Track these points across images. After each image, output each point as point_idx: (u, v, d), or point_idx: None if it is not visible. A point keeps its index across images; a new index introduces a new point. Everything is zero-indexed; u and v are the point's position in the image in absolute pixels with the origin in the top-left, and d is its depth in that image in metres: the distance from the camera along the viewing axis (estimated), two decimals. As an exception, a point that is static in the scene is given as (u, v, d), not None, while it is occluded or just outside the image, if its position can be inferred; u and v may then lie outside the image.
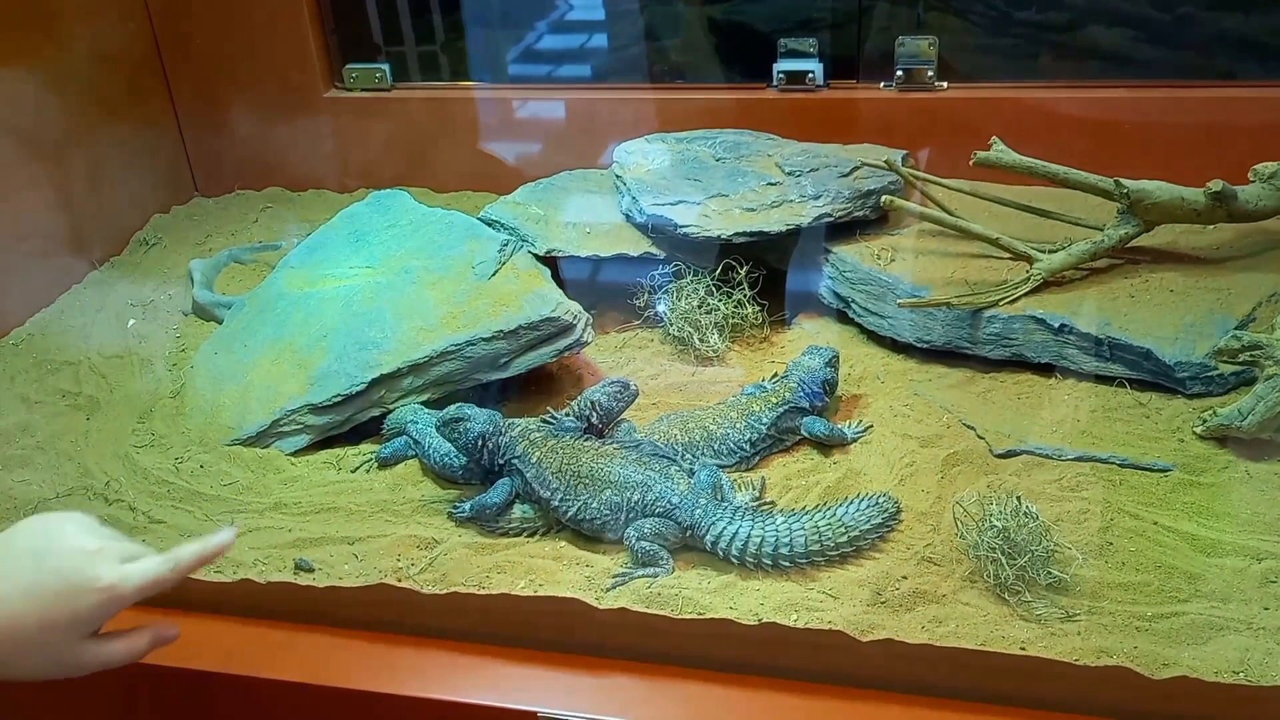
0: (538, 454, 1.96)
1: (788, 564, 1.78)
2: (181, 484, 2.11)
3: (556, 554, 1.89)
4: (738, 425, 2.09)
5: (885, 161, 2.51)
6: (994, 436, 2.07)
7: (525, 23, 3.23)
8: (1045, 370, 2.26)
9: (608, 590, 1.78)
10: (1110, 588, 1.72)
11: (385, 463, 2.15)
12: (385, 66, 3.24)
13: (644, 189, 2.59)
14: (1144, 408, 2.14)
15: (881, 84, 2.98)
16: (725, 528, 1.80)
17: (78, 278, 2.95)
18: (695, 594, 1.74)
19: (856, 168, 2.59)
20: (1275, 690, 1.51)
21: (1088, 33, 2.90)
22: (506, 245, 2.44)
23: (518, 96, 3.20)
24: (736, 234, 2.45)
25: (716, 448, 2.07)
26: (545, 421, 2.07)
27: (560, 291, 2.32)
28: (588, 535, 1.92)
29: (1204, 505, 1.89)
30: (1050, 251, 2.34)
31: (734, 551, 1.79)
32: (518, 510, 1.96)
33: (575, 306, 2.28)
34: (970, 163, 2.38)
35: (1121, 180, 2.29)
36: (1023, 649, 1.60)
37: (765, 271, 2.50)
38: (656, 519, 1.84)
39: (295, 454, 2.19)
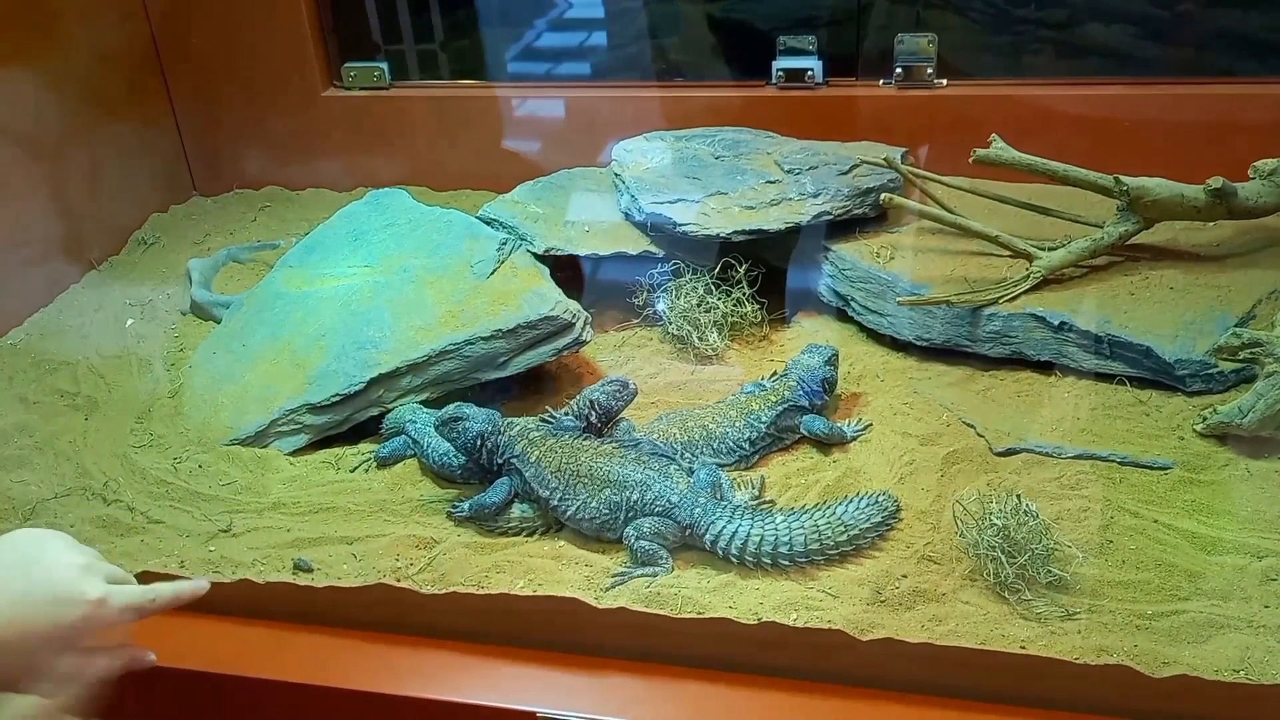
0: (536, 453, 1.96)
1: (787, 563, 1.78)
2: (180, 484, 2.10)
3: (556, 553, 1.89)
4: (737, 424, 2.09)
5: (884, 159, 2.51)
6: (994, 434, 2.07)
7: (524, 21, 3.23)
8: (1045, 368, 2.26)
9: (607, 590, 1.77)
10: (1110, 586, 1.72)
11: (384, 462, 2.14)
12: (384, 65, 3.23)
13: (643, 187, 2.59)
14: (1144, 405, 2.14)
15: (881, 81, 2.97)
16: (724, 527, 1.80)
17: (76, 278, 2.95)
18: (695, 593, 1.74)
19: (856, 165, 2.59)
20: (1276, 689, 1.51)
21: (1087, 30, 2.90)
22: (505, 244, 2.43)
23: (516, 95, 3.20)
24: (735, 232, 2.44)
25: (716, 446, 2.07)
26: (544, 420, 2.07)
27: (559, 290, 2.32)
28: (587, 534, 1.91)
29: (1204, 503, 1.88)
30: (1050, 249, 2.34)
31: (733, 550, 1.78)
32: (517, 510, 1.96)
33: (574, 305, 2.28)
34: (970, 160, 2.38)
35: (1121, 177, 2.29)
36: (1023, 648, 1.60)
37: (764, 270, 2.50)
38: (656, 518, 1.84)
39: (294, 454, 2.19)
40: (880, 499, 1.87)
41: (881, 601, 1.71)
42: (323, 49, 3.24)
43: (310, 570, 1.86)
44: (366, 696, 1.66)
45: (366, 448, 2.20)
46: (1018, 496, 1.75)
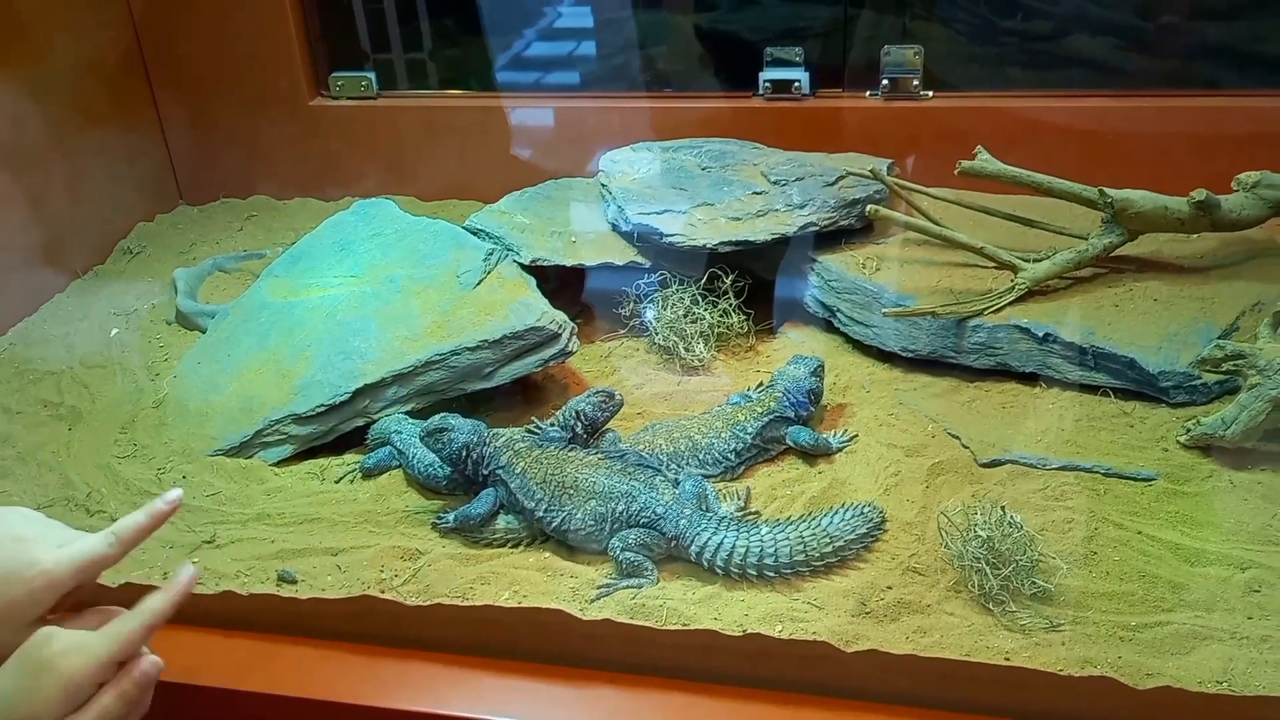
0: (522, 464, 1.96)
1: (773, 574, 1.78)
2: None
3: (541, 565, 1.88)
4: (723, 435, 2.09)
5: (870, 170, 2.52)
6: (979, 446, 2.07)
7: (511, 31, 3.23)
8: (1030, 379, 2.26)
9: (592, 601, 1.77)
10: (1094, 597, 1.72)
11: (369, 473, 2.14)
12: (371, 75, 3.24)
13: (630, 198, 2.59)
14: (1128, 417, 2.14)
15: (867, 93, 2.99)
16: (710, 538, 1.80)
17: (60, 286, 2.94)
18: (680, 605, 1.74)
19: (842, 177, 2.59)
20: (1259, 700, 1.51)
21: (1072, 42, 2.91)
22: (492, 254, 2.43)
23: (503, 105, 3.19)
24: (722, 243, 2.44)
25: (702, 458, 2.07)
26: (530, 431, 2.07)
27: (545, 301, 2.32)
28: (572, 546, 1.91)
29: (1188, 514, 1.89)
30: (1035, 261, 2.35)
31: (719, 562, 1.78)
32: (502, 521, 1.96)
33: (560, 316, 2.28)
34: (955, 172, 2.39)
35: (1105, 190, 2.29)
36: (1007, 659, 1.60)
37: (751, 280, 2.50)
38: (641, 529, 1.84)
39: (279, 464, 2.18)
40: (865, 510, 1.87)
41: (866, 613, 1.71)
42: (309, 58, 3.24)
43: (294, 582, 1.85)
44: (351, 709, 1.65)
45: (352, 458, 2.19)
46: (1002, 508, 1.75)
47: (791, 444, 2.12)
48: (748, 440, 2.08)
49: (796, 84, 2.97)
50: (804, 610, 1.73)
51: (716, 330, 2.44)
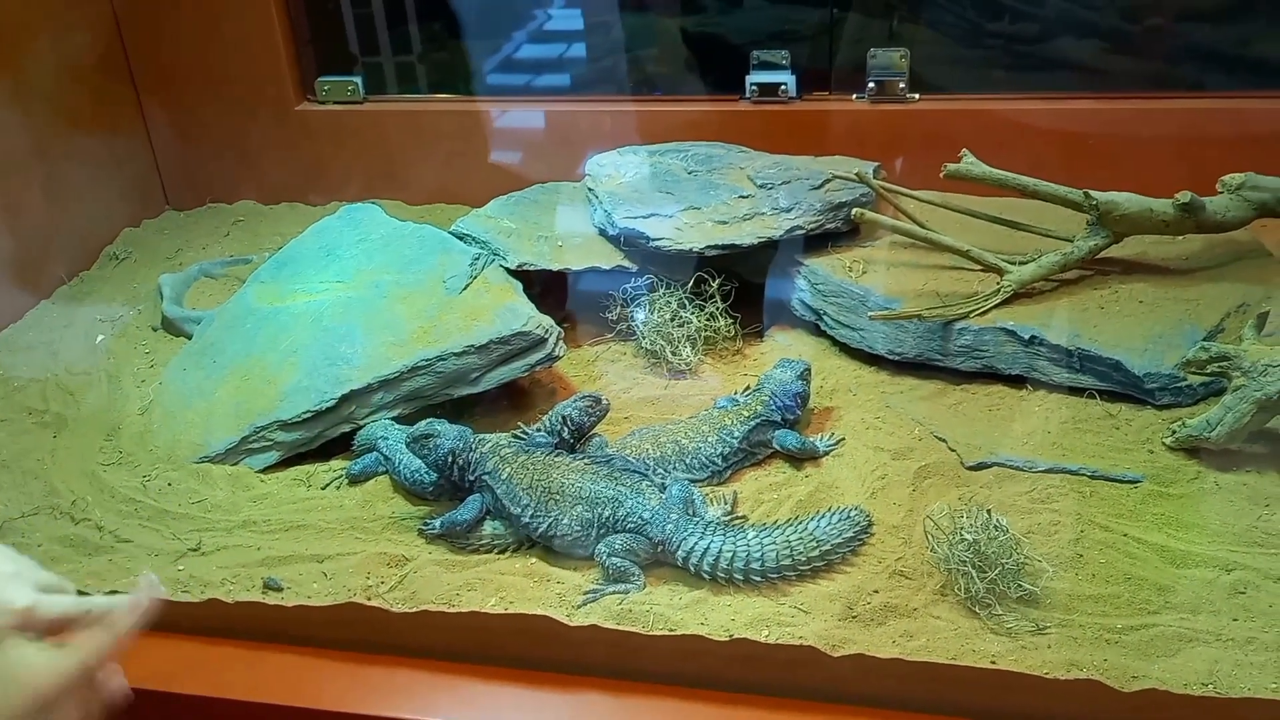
0: (508, 470, 1.95)
1: (759, 579, 1.78)
2: (149, 502, 2.08)
3: (528, 571, 1.88)
4: (709, 439, 2.09)
5: (855, 174, 2.52)
6: (965, 449, 2.08)
7: (497, 35, 3.23)
8: (1016, 382, 2.27)
9: (579, 607, 1.77)
10: (1081, 600, 1.72)
11: (355, 479, 2.13)
12: (357, 79, 3.23)
13: (616, 202, 2.59)
14: (1114, 419, 2.15)
15: (854, 96, 2.99)
16: (696, 543, 1.80)
17: (46, 293, 2.93)
18: (666, 610, 1.74)
19: (828, 180, 2.59)
20: (1244, 702, 1.52)
21: (1058, 45, 2.92)
22: (478, 259, 2.43)
23: (490, 109, 3.19)
24: (709, 247, 2.44)
25: (688, 462, 2.07)
26: (516, 437, 2.07)
27: (531, 306, 2.32)
28: (559, 552, 1.91)
29: (1174, 516, 1.89)
30: (1020, 263, 2.35)
31: (705, 567, 1.78)
32: (488, 527, 1.95)
33: (546, 321, 2.28)
34: (941, 175, 2.39)
35: (1090, 192, 2.30)
36: (993, 663, 1.61)
37: (738, 284, 2.50)
38: (627, 535, 1.84)
39: (265, 471, 2.18)
40: (852, 514, 1.87)
41: (853, 617, 1.71)
42: (296, 63, 3.23)
43: (280, 589, 1.85)
44: (337, 717, 1.65)
45: (338, 464, 2.19)
46: (988, 511, 1.76)
47: (778, 448, 2.12)
48: (734, 444, 2.08)
49: (783, 87, 2.98)
50: (790, 614, 1.73)
51: (703, 334, 2.44)
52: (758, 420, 2.11)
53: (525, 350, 2.24)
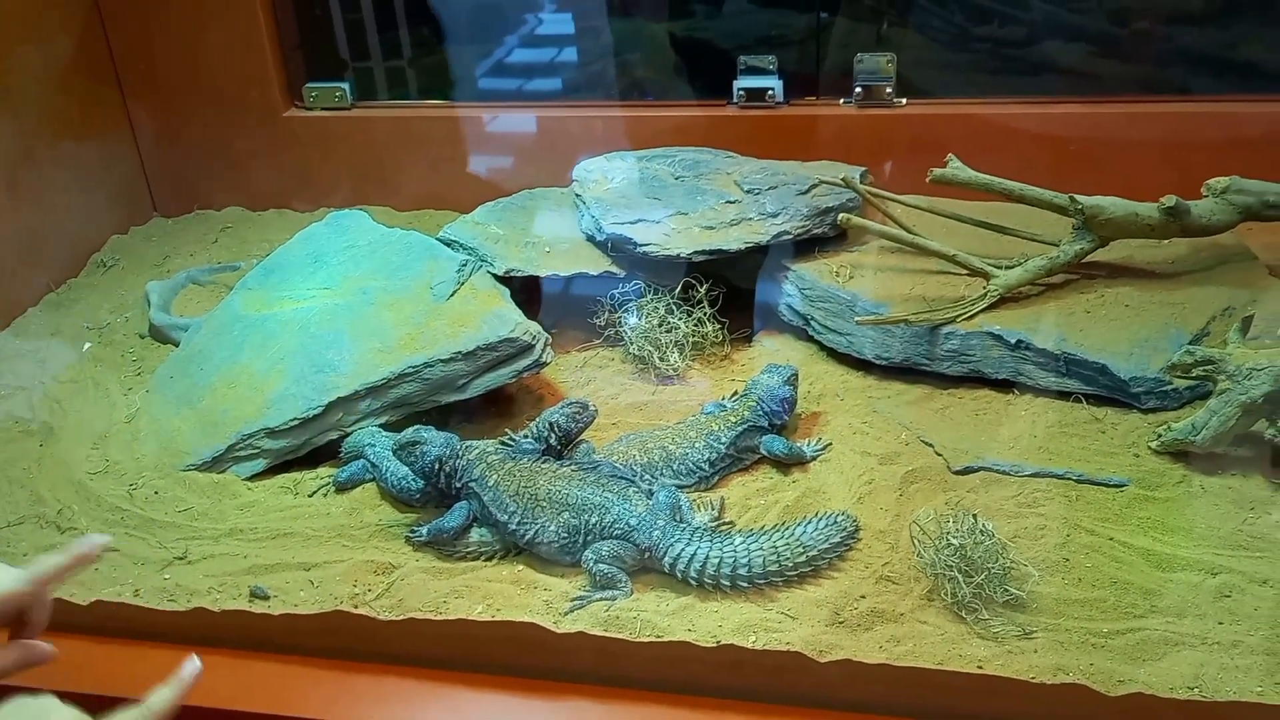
0: (495, 477, 1.95)
1: (746, 585, 1.78)
2: (135, 511, 2.08)
3: (515, 578, 1.88)
4: (697, 445, 2.09)
5: (842, 179, 2.52)
6: (952, 453, 2.08)
7: (485, 41, 3.23)
8: (1003, 386, 2.27)
9: (566, 614, 1.77)
10: (1067, 604, 1.73)
11: (343, 487, 2.13)
12: (345, 85, 3.23)
13: (603, 207, 2.59)
14: (1100, 423, 2.15)
15: (841, 101, 2.99)
16: (683, 549, 1.80)
17: (33, 300, 2.92)
18: (654, 616, 1.74)
19: (815, 185, 2.59)
20: (1229, 705, 1.52)
21: (1045, 49, 2.93)
22: (465, 265, 2.43)
23: (477, 115, 3.19)
24: (696, 252, 2.45)
25: (675, 468, 2.07)
26: (503, 444, 2.07)
27: (519, 312, 2.32)
28: (546, 558, 1.91)
29: (1159, 520, 1.90)
30: (1007, 268, 2.36)
31: (692, 573, 1.78)
32: (475, 534, 1.95)
33: (534, 327, 2.28)
34: (927, 179, 2.39)
35: (1076, 196, 2.31)
36: (980, 667, 1.61)
37: (725, 289, 2.50)
38: (614, 541, 1.84)
39: (252, 479, 2.17)
40: (839, 519, 1.87)
41: (840, 622, 1.72)
42: (284, 69, 3.23)
43: (267, 597, 1.84)
44: (323, 725, 1.65)
45: (325, 472, 2.18)
46: (974, 516, 1.76)
47: (766, 453, 2.12)
48: (722, 450, 2.09)
49: (770, 92, 2.98)
50: (778, 620, 1.73)
51: (691, 339, 2.44)
52: (745, 425, 2.11)
53: (513, 356, 2.24)
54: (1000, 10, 2.91)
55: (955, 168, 2.40)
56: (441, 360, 2.20)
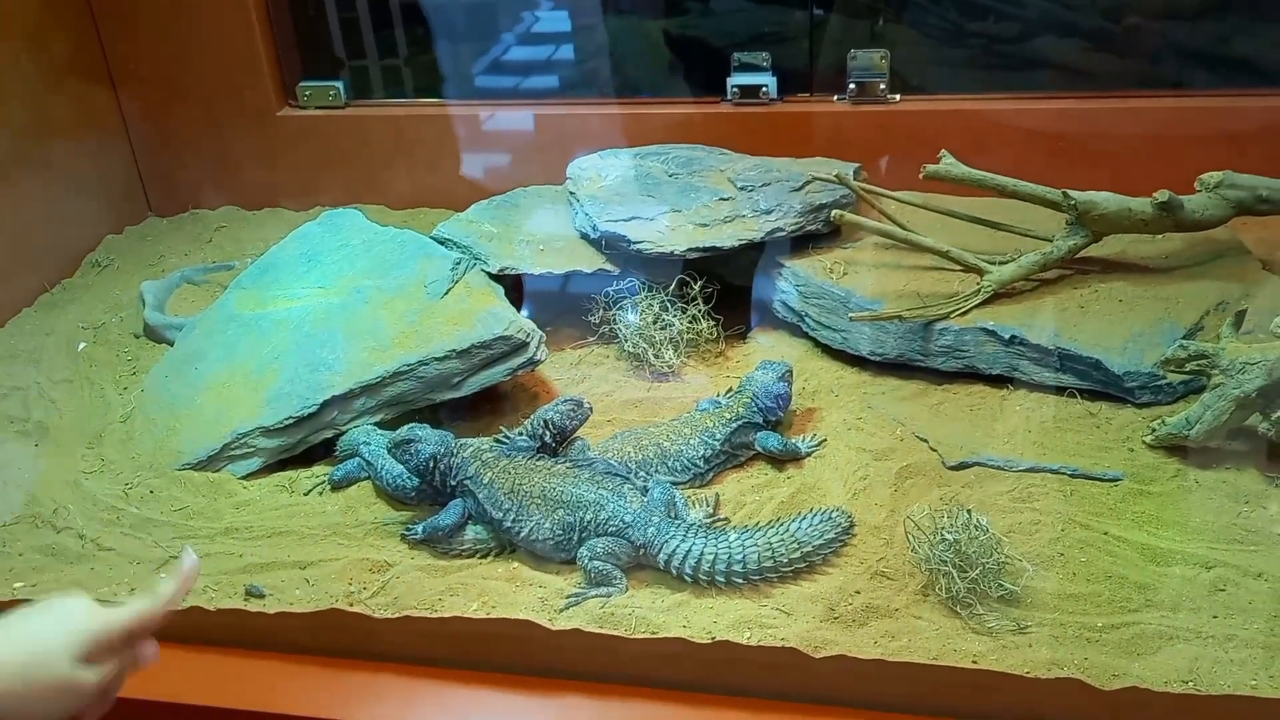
0: (490, 474, 1.95)
1: (741, 581, 1.78)
2: (131, 510, 2.08)
3: (510, 575, 1.88)
4: (691, 441, 2.09)
5: (835, 175, 2.52)
6: (947, 449, 2.08)
7: (478, 39, 3.23)
8: (997, 382, 2.27)
9: (561, 611, 1.77)
10: (1062, 599, 1.73)
11: (338, 485, 2.13)
12: (339, 84, 3.23)
13: (597, 205, 2.59)
14: (1094, 418, 2.15)
15: (835, 97, 3.00)
16: (678, 546, 1.80)
17: (28, 300, 2.92)
18: (649, 613, 1.74)
19: (808, 182, 2.59)
20: (1224, 699, 1.52)
21: (1038, 45, 2.93)
22: (459, 264, 2.43)
23: (471, 113, 3.19)
24: (690, 249, 2.45)
25: (670, 464, 2.07)
26: (498, 441, 2.07)
27: (513, 309, 2.32)
28: (541, 556, 1.91)
29: (1154, 514, 1.90)
30: (1000, 263, 2.36)
31: (687, 569, 1.78)
32: (471, 531, 1.95)
33: (528, 324, 2.28)
34: (920, 176, 2.39)
35: (1069, 192, 2.31)
36: (975, 662, 1.61)
37: (720, 286, 2.50)
38: (609, 538, 1.84)
39: (247, 477, 2.17)
40: (834, 515, 1.87)
41: (835, 618, 1.72)
42: (278, 68, 3.23)
43: (262, 596, 1.84)
44: (319, 723, 1.65)
45: (321, 470, 2.18)
46: (969, 511, 1.76)
47: (760, 449, 2.12)
48: (716, 446, 2.09)
49: (764, 89, 2.98)
50: (772, 616, 1.73)
51: (686, 336, 2.44)
52: (740, 422, 2.11)
53: (507, 354, 2.24)
54: (994, 6, 2.92)
55: (948, 164, 2.40)
56: (436, 358, 2.20)
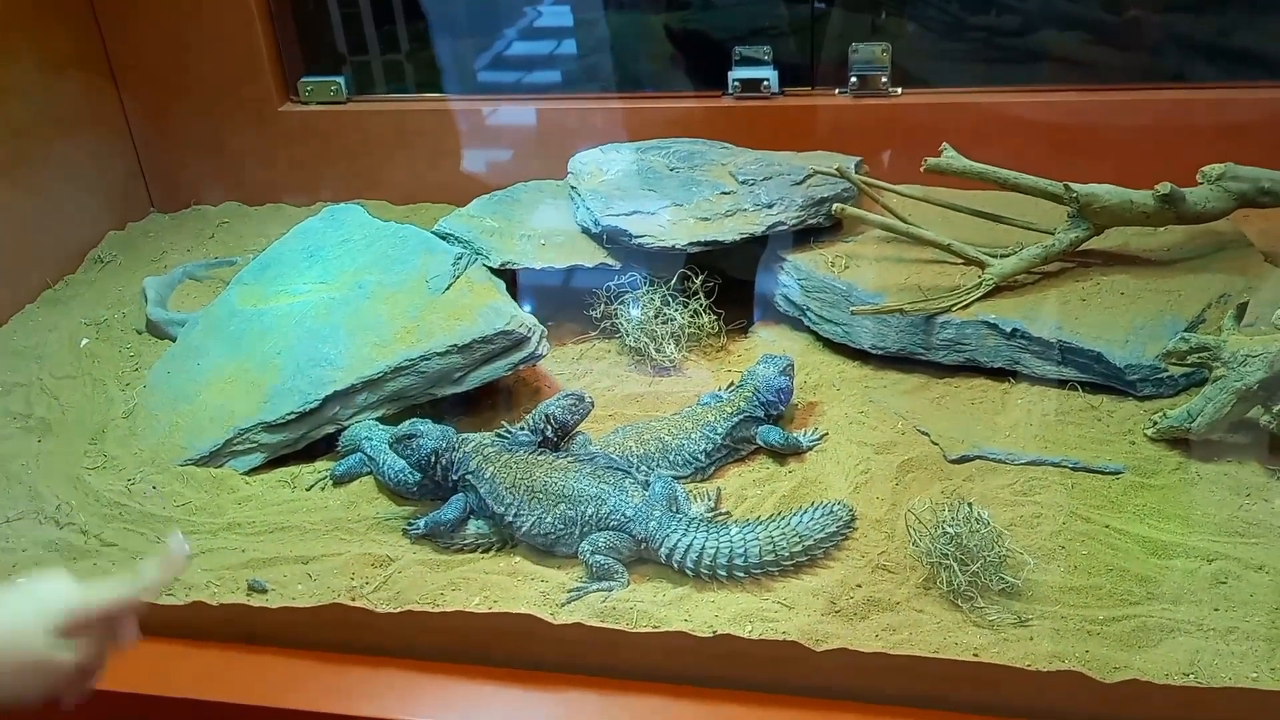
0: (491, 469, 1.96)
1: (742, 574, 1.78)
2: (134, 506, 2.08)
3: (512, 570, 1.88)
4: (693, 436, 2.09)
5: (836, 169, 2.52)
6: (948, 442, 2.08)
7: (480, 34, 3.23)
8: (999, 375, 2.27)
9: (563, 605, 1.77)
10: (1063, 592, 1.73)
11: (340, 480, 2.13)
12: (340, 80, 3.23)
13: (599, 199, 2.59)
14: (1096, 411, 2.15)
15: (836, 91, 2.99)
16: (679, 539, 1.80)
17: (31, 297, 2.92)
18: (650, 607, 1.74)
19: (809, 175, 2.59)
20: (1224, 691, 1.52)
21: (1040, 38, 2.92)
22: (461, 259, 2.43)
23: (471, 108, 3.19)
24: (691, 244, 2.45)
25: (672, 459, 2.07)
26: (500, 436, 2.07)
27: (514, 304, 2.32)
28: (542, 550, 1.91)
29: (1155, 507, 1.90)
30: (1002, 256, 2.36)
31: (688, 563, 1.78)
32: (472, 526, 1.96)
33: (529, 319, 2.28)
34: (921, 169, 2.39)
35: (1070, 185, 2.30)
36: (976, 655, 1.61)
37: (721, 280, 2.50)
38: (611, 532, 1.84)
39: (249, 473, 2.18)
40: (835, 509, 1.87)
41: (836, 612, 1.72)
42: (279, 64, 3.23)
43: (265, 591, 1.85)
44: (322, 718, 1.65)
45: (323, 466, 2.19)
46: (969, 504, 1.76)
47: (762, 443, 2.12)
48: (718, 440, 2.09)
49: (765, 82, 2.97)
50: (774, 610, 1.73)
51: (687, 331, 2.44)
52: (741, 416, 2.11)
53: (508, 349, 2.24)
54: (994, -1, 2.92)
55: (950, 157, 2.40)
56: (437, 353, 2.20)
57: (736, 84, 3.00)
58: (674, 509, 1.90)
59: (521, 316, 2.26)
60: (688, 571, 1.79)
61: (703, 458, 2.08)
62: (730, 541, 1.79)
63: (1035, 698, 1.54)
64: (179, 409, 2.30)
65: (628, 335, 2.45)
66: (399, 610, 1.73)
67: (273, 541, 1.98)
